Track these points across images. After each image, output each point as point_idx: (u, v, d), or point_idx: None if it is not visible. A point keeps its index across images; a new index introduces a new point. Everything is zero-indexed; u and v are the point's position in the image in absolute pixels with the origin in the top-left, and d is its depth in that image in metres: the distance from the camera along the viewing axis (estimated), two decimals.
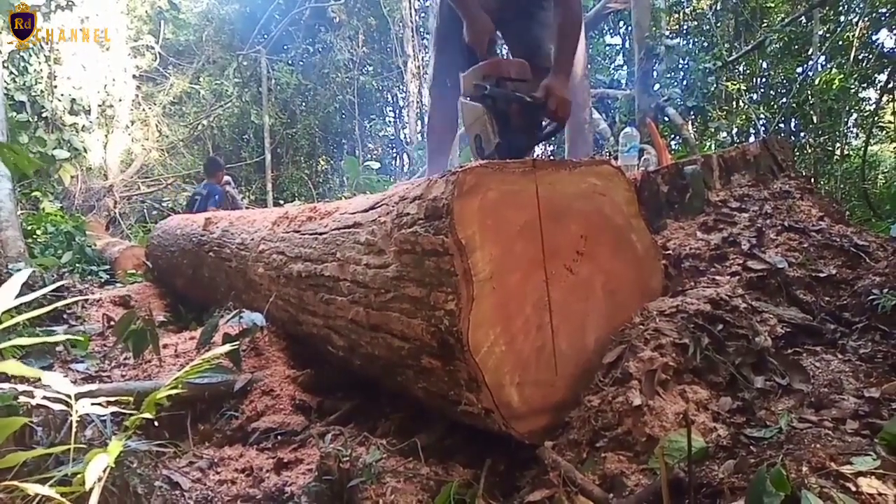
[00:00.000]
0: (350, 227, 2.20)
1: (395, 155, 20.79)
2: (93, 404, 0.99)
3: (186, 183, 15.28)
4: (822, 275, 1.95)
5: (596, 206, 1.86)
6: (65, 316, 3.94)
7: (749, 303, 1.80)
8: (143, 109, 15.79)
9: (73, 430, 0.97)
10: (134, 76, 14.97)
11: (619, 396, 1.56)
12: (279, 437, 2.03)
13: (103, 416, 1.25)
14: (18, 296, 1.03)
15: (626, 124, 7.92)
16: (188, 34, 17.55)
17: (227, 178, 9.14)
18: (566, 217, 1.79)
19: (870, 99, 11.60)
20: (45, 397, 0.95)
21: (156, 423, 1.25)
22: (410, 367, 1.83)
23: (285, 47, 17.13)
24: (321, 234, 2.38)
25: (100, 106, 13.66)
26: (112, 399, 1.36)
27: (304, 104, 16.73)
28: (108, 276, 6.40)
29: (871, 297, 1.86)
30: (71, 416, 0.96)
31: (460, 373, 1.62)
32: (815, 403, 1.51)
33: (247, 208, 11.66)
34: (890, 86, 11.46)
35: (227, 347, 1.45)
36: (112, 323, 3.79)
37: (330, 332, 2.26)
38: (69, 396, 0.94)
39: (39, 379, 0.91)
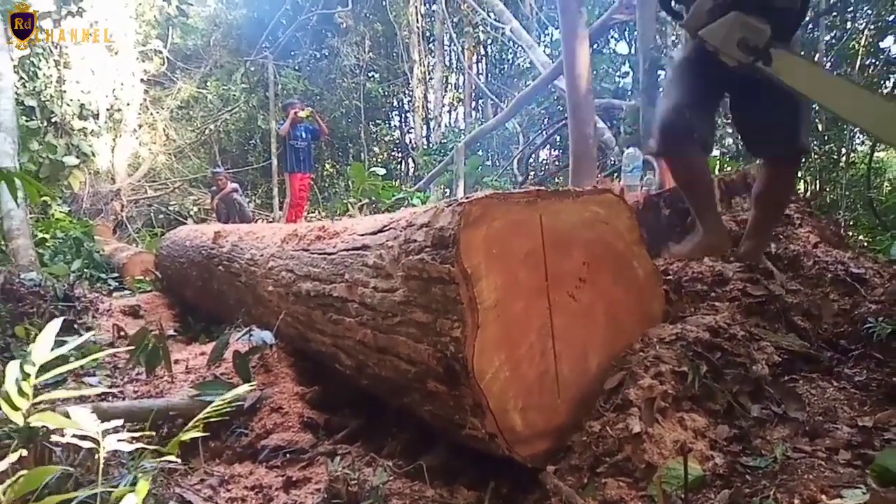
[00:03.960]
0: (358, 248, 2.25)
1: (400, 160, 20.90)
2: (119, 441, 1.05)
3: (193, 187, 15.42)
4: (814, 312, 2.00)
5: (598, 234, 1.91)
6: (75, 326, 4.01)
7: (748, 330, 1.85)
8: (151, 113, 15.94)
9: (101, 467, 1.02)
10: (142, 80, 15.10)
11: (619, 423, 1.61)
12: (288, 455, 2.08)
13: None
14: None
15: (630, 135, 7.96)
16: (196, 39, 17.71)
17: (233, 185, 9.25)
18: (569, 245, 1.84)
19: None
20: (74, 435, 1.01)
21: (179, 460, 1.29)
22: (416, 389, 1.88)
23: (292, 53, 17.27)
24: (330, 254, 2.43)
25: (108, 110, 13.79)
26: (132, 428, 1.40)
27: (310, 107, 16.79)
28: (116, 283, 6.47)
29: (867, 325, 1.91)
30: (98, 452, 1.01)
31: (465, 398, 1.68)
32: (809, 432, 1.55)
33: (253, 213, 11.79)
34: (895, 92, 11.48)
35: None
36: (122, 333, 3.86)
37: (338, 352, 2.32)
38: (97, 433, 1.00)
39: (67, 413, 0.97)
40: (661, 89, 8.04)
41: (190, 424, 1.28)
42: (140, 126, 15.61)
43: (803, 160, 2.35)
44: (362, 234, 2.29)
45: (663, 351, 1.74)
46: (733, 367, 1.72)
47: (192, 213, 13.79)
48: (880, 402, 1.67)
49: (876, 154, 10.33)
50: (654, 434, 1.55)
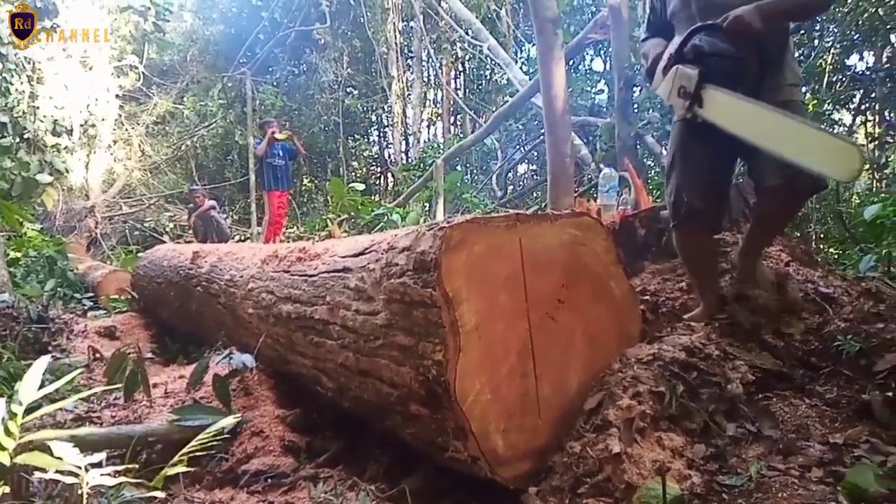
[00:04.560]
0: (340, 271, 2.26)
1: (379, 175, 20.91)
2: (102, 475, 1.04)
3: (169, 203, 15.24)
4: (786, 330, 2.06)
5: (576, 256, 1.94)
6: (49, 348, 3.94)
7: (723, 349, 1.89)
8: (126, 129, 15.76)
9: (84, 501, 1.02)
10: (117, 96, 14.95)
11: (599, 443, 1.63)
12: (269, 480, 2.07)
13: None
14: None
15: (605, 153, 8.09)
16: (172, 54, 17.60)
17: (211, 202, 9.17)
18: (548, 267, 1.88)
19: (843, 121, 11.95)
20: (57, 471, 1.00)
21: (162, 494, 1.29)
22: (399, 412, 1.89)
23: (270, 69, 17.24)
24: (311, 276, 2.44)
25: (82, 126, 13.61)
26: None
27: (288, 124, 16.77)
28: (91, 303, 6.37)
29: (836, 343, 1.96)
30: (82, 487, 1.01)
31: (447, 421, 1.69)
32: (783, 450, 1.59)
33: (230, 229, 11.69)
34: (862, 107, 11.82)
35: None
36: (98, 355, 3.80)
37: (319, 374, 2.32)
38: (80, 468, 0.99)
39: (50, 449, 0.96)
40: (634, 105, 8.22)
41: (175, 458, 1.27)
42: (115, 142, 15.42)
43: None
44: (343, 256, 2.30)
45: (641, 371, 1.77)
46: (709, 386, 1.76)
47: (168, 229, 13.62)
48: (850, 419, 1.72)
49: None
50: (634, 454, 1.58)
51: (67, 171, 11.78)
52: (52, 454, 1.01)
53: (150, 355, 3.78)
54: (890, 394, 1.73)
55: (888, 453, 1.46)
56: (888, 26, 8.99)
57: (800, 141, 1.81)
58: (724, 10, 2.06)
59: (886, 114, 11.91)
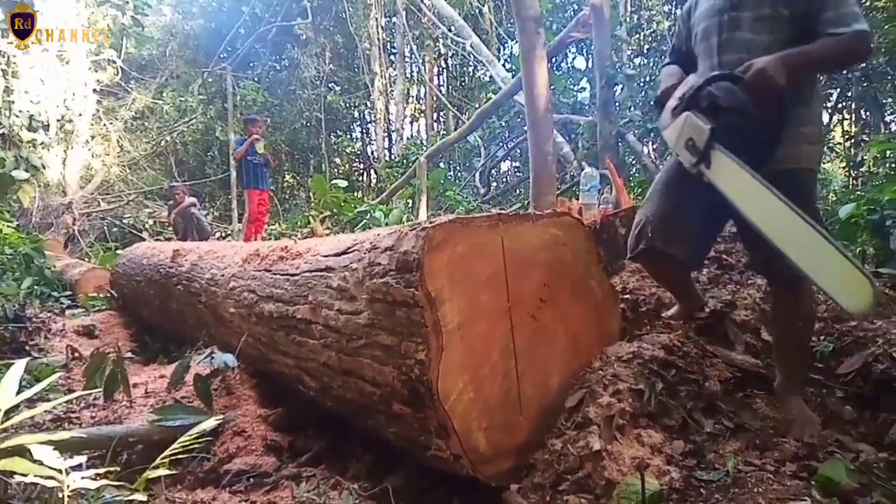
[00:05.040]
0: (322, 270, 2.25)
1: (362, 171, 20.84)
2: (83, 478, 1.04)
3: (149, 199, 15.05)
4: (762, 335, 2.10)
5: (558, 256, 1.96)
6: (27, 347, 3.88)
7: (702, 347, 1.92)
8: (104, 124, 15.52)
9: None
10: (94, 90, 14.71)
11: (579, 441, 1.66)
12: (251, 480, 2.06)
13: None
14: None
15: (587, 151, 8.14)
16: (151, 49, 17.34)
17: (191, 199, 9.07)
18: (530, 267, 1.90)
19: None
20: (36, 475, 0.99)
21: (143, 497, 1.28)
22: (381, 411, 1.89)
23: (251, 64, 17.08)
24: (293, 275, 2.43)
25: (59, 121, 13.38)
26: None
27: (270, 120, 16.64)
28: (69, 302, 6.27)
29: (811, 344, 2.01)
30: (63, 491, 1.00)
31: (430, 420, 1.70)
32: (759, 446, 1.63)
33: (210, 225, 11.58)
34: (839, 106, 12.02)
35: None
36: (77, 355, 3.75)
37: (301, 373, 2.31)
38: (62, 472, 0.98)
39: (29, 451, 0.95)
40: (616, 104, 8.28)
41: (157, 461, 1.27)
42: (92, 137, 15.16)
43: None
44: (326, 256, 2.30)
45: (621, 369, 1.80)
46: (687, 383, 1.79)
47: (147, 226, 13.45)
48: (823, 417, 1.75)
49: (822, 165, 10.75)
50: (613, 451, 1.61)
51: (44, 167, 11.58)
52: (31, 458, 1.00)
53: (129, 355, 3.74)
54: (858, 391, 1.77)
55: (858, 451, 1.50)
56: None
57: (812, 251, 1.61)
58: (747, 47, 1.88)
59: (862, 112, 12.11)
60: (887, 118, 11.07)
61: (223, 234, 12.44)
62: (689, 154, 1.85)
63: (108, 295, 5.73)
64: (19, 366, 1.12)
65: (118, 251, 9.52)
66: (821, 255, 1.59)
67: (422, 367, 1.68)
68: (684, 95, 1.92)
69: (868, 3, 9.42)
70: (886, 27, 8.56)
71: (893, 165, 6.64)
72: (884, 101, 10.51)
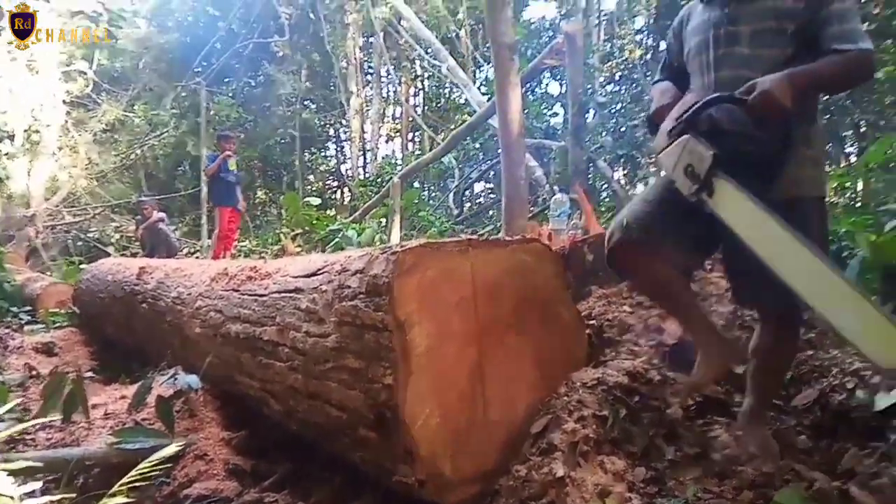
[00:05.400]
0: (291, 291, 2.24)
1: (336, 189, 20.80)
2: None
3: (116, 213, 14.78)
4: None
5: (526, 282, 1.98)
6: None
7: (664, 374, 1.95)
8: (73, 136, 15.26)
9: None
10: (64, 101, 14.49)
11: (544, 467, 1.66)
12: None
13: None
14: None
15: (559, 175, 8.27)
16: (124, 61, 17.18)
17: (160, 214, 8.93)
18: (499, 292, 1.91)
19: None
20: None
21: None
22: (347, 436, 1.88)
23: (226, 79, 17.02)
24: (261, 296, 2.41)
25: (25, 131, 13.13)
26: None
27: (244, 136, 16.56)
28: (28, 317, 6.10)
29: None
30: None
31: (396, 445, 1.69)
32: (718, 473, 1.65)
33: (179, 241, 11.40)
34: None
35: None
36: (35, 373, 3.65)
37: (267, 396, 2.29)
38: (12, 498, 0.96)
39: None
40: (588, 131, 8.46)
41: (115, 488, 1.24)
42: (60, 149, 14.90)
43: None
44: (295, 277, 2.29)
45: (586, 395, 1.82)
46: (650, 410, 1.81)
47: (113, 240, 13.20)
48: (781, 447, 1.79)
49: None
50: (577, 478, 1.62)
51: (7, 178, 11.33)
52: None
53: (90, 373, 3.65)
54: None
55: (813, 479, 1.53)
56: None
57: (836, 299, 1.42)
58: (745, 63, 1.74)
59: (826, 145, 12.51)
60: (847, 150, 11.49)
61: (192, 250, 12.25)
62: (688, 181, 1.71)
63: (71, 311, 5.59)
64: None
65: (82, 266, 9.31)
66: (845, 304, 1.40)
67: (389, 392, 1.68)
68: (682, 117, 1.76)
69: None
70: None
71: (850, 197, 6.88)
72: (843, 133, 10.91)
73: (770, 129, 1.66)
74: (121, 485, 1.24)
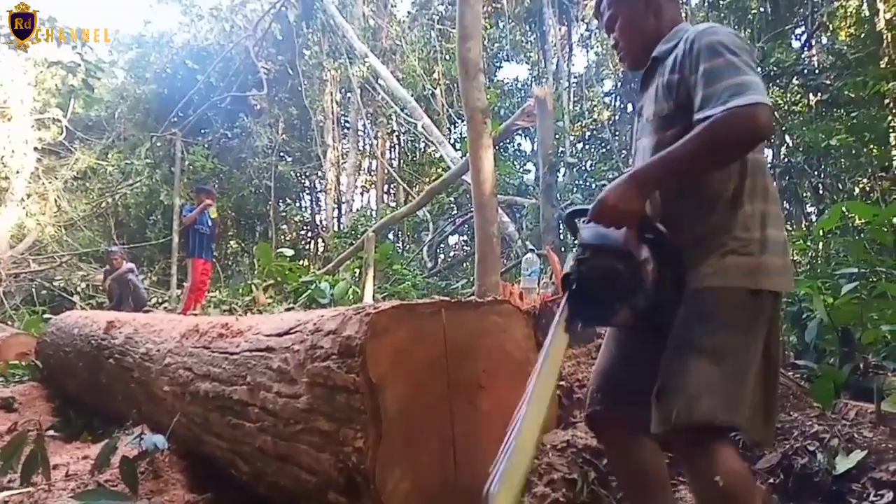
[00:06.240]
0: (262, 350, 2.24)
1: (309, 240, 20.77)
2: None
3: (83, 261, 14.50)
4: None
5: (497, 343, 2.02)
6: None
7: None
8: (43, 183, 15.08)
9: None
10: (36, 149, 14.39)
11: None
12: None
13: None
14: None
15: (531, 231, 8.42)
16: (100, 110, 17.22)
17: (129, 265, 8.82)
18: (470, 353, 1.94)
19: None
20: None
21: None
22: (316, 500, 1.86)
23: (203, 131, 17.12)
24: (232, 354, 2.40)
25: None
26: None
27: (217, 186, 16.57)
28: None
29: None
30: None
31: None
32: None
33: (147, 290, 11.20)
34: None
35: None
36: None
37: (235, 457, 2.25)
38: None
39: None
40: (558, 189, 8.69)
41: None
42: (29, 196, 14.70)
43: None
44: (267, 335, 2.29)
45: (555, 458, 1.84)
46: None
47: (79, 289, 12.89)
48: None
49: None
50: None
51: None
52: None
53: (51, 431, 3.53)
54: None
55: None
56: (783, 127, 10.01)
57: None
58: (651, 152, 1.52)
59: (786, 204, 13.02)
60: (807, 210, 11.94)
61: (160, 300, 12.03)
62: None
63: (33, 364, 5.42)
64: None
65: (45, 315, 9.07)
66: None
67: (359, 456, 1.68)
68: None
69: (786, 108, 10.34)
70: (804, 128, 9.41)
71: (811, 258, 7.13)
72: (804, 195, 11.38)
73: (629, 238, 1.40)
74: None
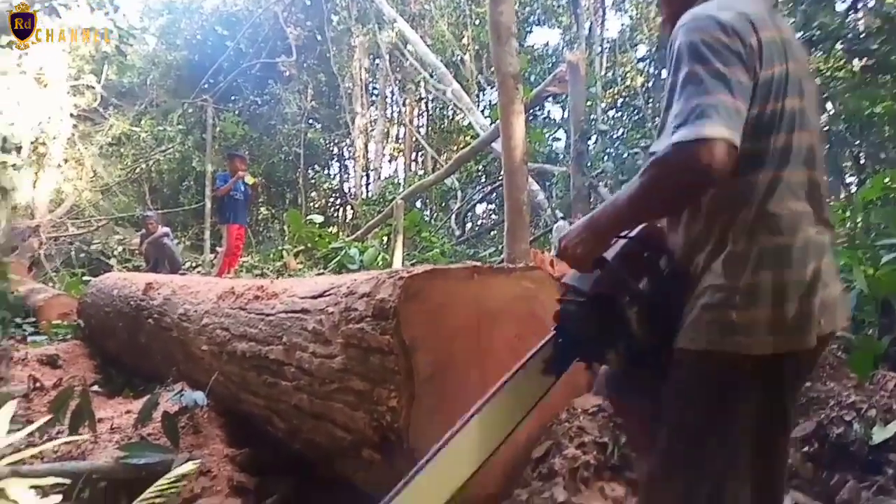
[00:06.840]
0: (298, 312, 2.29)
1: (338, 207, 20.89)
2: None
3: (119, 226, 14.85)
4: None
5: (529, 308, 2.03)
6: None
7: None
8: (79, 149, 15.37)
9: None
10: (71, 115, 14.62)
11: (545, 492, 1.70)
12: None
13: None
14: None
15: (561, 199, 8.34)
16: (132, 76, 17.39)
17: (164, 229, 9.00)
18: (502, 318, 1.96)
19: None
20: None
21: None
22: (351, 457, 1.92)
23: (233, 97, 17.19)
24: (268, 315, 2.46)
25: (32, 143, 13.23)
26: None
27: (248, 153, 16.70)
28: (31, 329, 6.12)
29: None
30: None
31: (400, 468, 1.72)
32: None
33: (181, 255, 11.43)
34: None
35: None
36: (39, 385, 3.68)
37: (272, 415, 2.32)
38: None
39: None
40: (589, 157, 8.56)
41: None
42: (66, 161, 15.01)
43: None
44: (302, 298, 2.33)
45: (587, 422, 1.85)
46: None
47: (116, 252, 13.21)
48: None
49: None
50: (577, 503, 1.65)
51: (13, 189, 11.40)
52: (6, 497, 1.01)
53: (94, 387, 3.67)
54: None
55: None
56: (824, 94, 9.64)
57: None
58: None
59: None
60: (847, 180, 11.59)
61: (193, 265, 12.29)
62: None
63: (74, 323, 5.61)
64: (9, 409, 1.13)
65: (84, 278, 9.34)
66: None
67: (393, 415, 1.72)
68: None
69: (829, 74, 9.95)
70: (847, 96, 9.05)
71: (850, 228, 6.94)
72: (843, 165, 11.02)
73: (605, 279, 1.24)
74: (141, 500, 1.28)
